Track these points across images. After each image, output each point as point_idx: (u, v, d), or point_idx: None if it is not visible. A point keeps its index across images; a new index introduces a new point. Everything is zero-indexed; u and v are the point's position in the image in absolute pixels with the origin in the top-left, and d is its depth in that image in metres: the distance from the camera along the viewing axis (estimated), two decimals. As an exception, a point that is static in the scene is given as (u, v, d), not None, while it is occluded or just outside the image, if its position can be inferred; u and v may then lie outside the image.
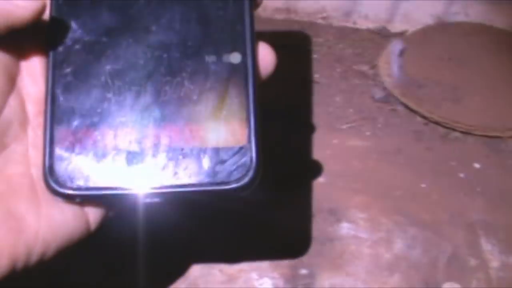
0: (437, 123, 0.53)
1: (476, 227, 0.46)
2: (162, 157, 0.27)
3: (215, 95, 0.28)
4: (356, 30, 0.64)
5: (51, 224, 0.27)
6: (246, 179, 0.27)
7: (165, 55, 0.28)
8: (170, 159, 0.27)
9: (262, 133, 0.27)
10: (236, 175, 0.27)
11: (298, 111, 0.53)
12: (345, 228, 0.45)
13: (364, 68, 0.58)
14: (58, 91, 0.28)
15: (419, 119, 0.54)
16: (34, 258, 0.26)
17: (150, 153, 0.27)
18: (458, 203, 0.48)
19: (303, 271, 0.43)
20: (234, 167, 0.27)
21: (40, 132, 0.28)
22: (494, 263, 0.44)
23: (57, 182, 0.27)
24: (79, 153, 0.27)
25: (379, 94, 0.55)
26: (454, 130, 0.53)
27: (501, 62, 0.58)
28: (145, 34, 0.29)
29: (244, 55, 0.28)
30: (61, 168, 0.27)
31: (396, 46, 0.58)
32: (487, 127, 0.53)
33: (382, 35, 0.63)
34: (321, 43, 0.61)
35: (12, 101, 0.27)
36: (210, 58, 0.28)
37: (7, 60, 0.27)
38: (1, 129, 0.27)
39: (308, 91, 0.56)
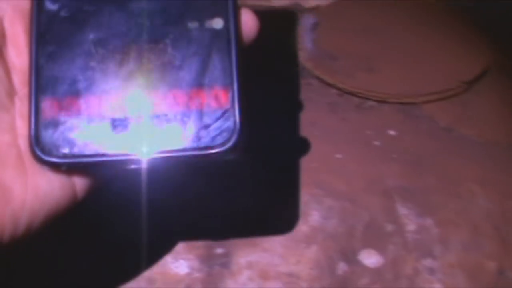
0: (351, 93, 0.53)
1: (392, 193, 0.46)
2: (146, 123, 0.27)
3: (198, 60, 0.28)
4: (271, 8, 0.63)
5: (37, 194, 0.27)
6: (230, 143, 0.27)
7: (147, 22, 0.29)
8: (154, 125, 0.27)
9: (246, 98, 0.28)
10: (220, 139, 0.27)
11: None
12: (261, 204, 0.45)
13: (277, 44, 0.58)
14: (42, 60, 0.28)
15: (333, 91, 0.54)
16: (21, 228, 0.27)
17: (135, 120, 0.27)
18: (374, 171, 0.48)
19: (219, 250, 0.42)
20: (218, 131, 0.27)
21: (26, 102, 0.28)
22: (411, 227, 0.44)
23: (42, 150, 0.27)
24: (64, 121, 0.27)
25: (292, 68, 0.55)
26: (368, 99, 0.53)
27: (414, 30, 0.59)
28: (128, 1, 0.29)
29: (226, 20, 0.29)
30: (46, 136, 0.27)
31: (308, 20, 0.58)
32: (401, 94, 0.53)
33: (296, 11, 0.62)
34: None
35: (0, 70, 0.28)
36: (192, 24, 0.29)
37: None
38: None
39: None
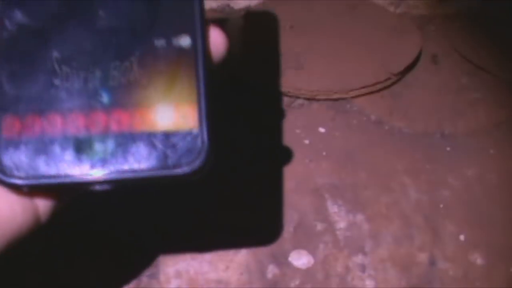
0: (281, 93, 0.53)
1: (322, 191, 0.46)
2: (111, 143, 0.26)
3: (165, 78, 0.27)
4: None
5: None
6: (197, 163, 0.26)
7: (113, 39, 0.28)
8: (119, 144, 0.26)
9: (215, 117, 0.27)
10: (187, 159, 0.26)
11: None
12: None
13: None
14: (3, 78, 0.27)
15: (263, 91, 0.53)
16: None
17: (99, 139, 0.26)
18: (304, 170, 0.47)
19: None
20: (185, 151, 0.26)
21: None
22: (341, 224, 0.44)
23: (3, 171, 0.26)
24: (26, 141, 0.26)
25: (220, 71, 0.54)
26: (298, 97, 0.52)
27: (342, 25, 0.59)
28: (92, 18, 0.28)
29: (194, 38, 0.28)
30: (7, 156, 0.26)
31: (235, 22, 0.57)
32: (330, 90, 0.53)
33: (225, 13, 0.61)
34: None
35: None
36: (159, 42, 0.28)
37: None
38: None
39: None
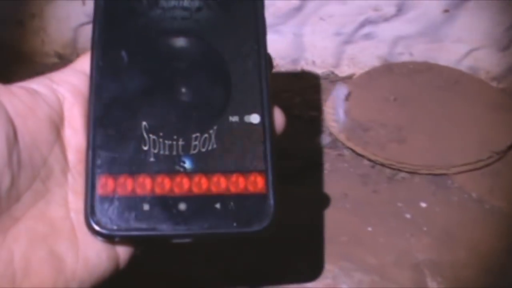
0: (383, 165, 0.54)
1: (422, 267, 0.47)
2: (192, 202, 0.30)
3: (238, 149, 0.32)
4: (304, 77, 0.65)
5: (87, 265, 0.29)
6: (265, 223, 0.30)
7: (194, 114, 0.32)
8: (199, 204, 0.30)
9: (279, 183, 0.31)
10: (257, 219, 0.30)
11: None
12: (290, 276, 0.46)
13: (312, 114, 0.60)
14: (99, 141, 0.31)
15: (365, 162, 0.55)
16: None
17: (182, 199, 0.30)
18: (404, 244, 0.48)
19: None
20: (255, 212, 0.30)
21: (79, 179, 0.31)
22: (441, 302, 0.44)
23: (97, 223, 0.29)
24: (118, 198, 0.30)
25: (325, 139, 0.57)
26: (400, 170, 0.54)
27: (444, 99, 0.60)
28: (176, 94, 0.33)
29: (262, 116, 0.32)
30: (101, 210, 0.30)
31: (340, 90, 0.59)
32: (433, 165, 0.54)
33: (330, 80, 0.64)
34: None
35: (56, 150, 0.31)
36: (233, 118, 0.32)
37: (54, 114, 0.31)
38: (45, 174, 0.30)
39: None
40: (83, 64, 0.33)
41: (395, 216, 0.50)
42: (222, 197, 0.31)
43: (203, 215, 0.30)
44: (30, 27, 0.67)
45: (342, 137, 0.56)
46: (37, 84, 0.31)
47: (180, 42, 0.34)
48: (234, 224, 0.30)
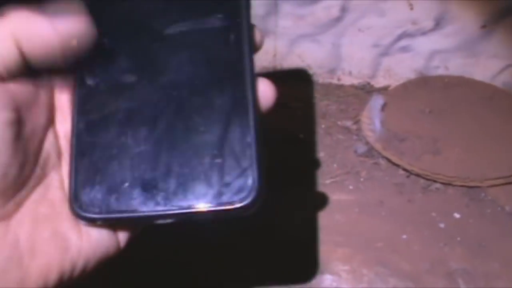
0: (418, 175, 0.55)
1: (455, 276, 0.48)
2: (173, 183, 0.30)
3: (220, 127, 0.31)
4: (341, 86, 0.66)
5: (90, 242, 0.30)
6: (248, 200, 0.29)
7: (175, 94, 0.32)
8: (180, 184, 0.30)
9: (264, 158, 0.30)
10: (239, 196, 0.29)
11: (283, 168, 0.55)
12: (328, 280, 0.47)
13: (348, 123, 0.61)
14: (82, 128, 0.31)
15: (401, 171, 0.56)
16: (77, 272, 0.30)
17: (162, 180, 0.30)
18: (438, 252, 0.49)
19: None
20: (238, 189, 0.30)
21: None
22: (474, 311, 0.45)
23: (81, 207, 0.30)
24: (100, 182, 0.30)
25: (362, 148, 0.58)
26: (435, 181, 0.55)
27: (479, 113, 0.61)
28: (158, 76, 0.33)
29: (245, 91, 0.32)
30: (84, 195, 0.30)
31: (377, 101, 0.60)
32: (467, 177, 0.55)
33: (366, 91, 0.65)
34: (306, 100, 0.64)
35: (51, 135, 0.32)
36: (215, 95, 0.32)
37: (49, 99, 0.32)
38: (43, 159, 0.31)
39: (294, 147, 0.58)
40: None
41: (429, 225, 0.51)
42: (204, 175, 0.30)
43: (185, 195, 0.30)
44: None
45: (378, 146, 0.57)
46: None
47: (160, 24, 0.34)
48: (217, 202, 0.30)
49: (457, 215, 0.52)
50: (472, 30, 0.61)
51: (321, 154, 0.57)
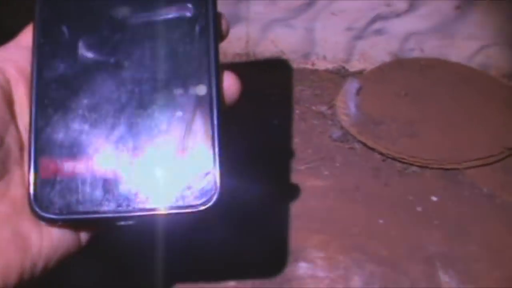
0: (394, 159, 0.54)
1: (434, 260, 0.47)
2: (134, 184, 0.29)
3: (182, 125, 0.30)
4: (315, 71, 0.65)
5: (52, 241, 0.29)
6: (211, 203, 0.29)
7: (136, 89, 0.31)
8: (142, 185, 0.29)
9: (226, 159, 0.30)
10: (202, 198, 0.29)
11: (256, 154, 0.54)
12: (303, 267, 0.46)
13: (323, 108, 0.60)
14: (40, 123, 0.30)
15: (377, 156, 0.55)
16: (38, 271, 0.29)
17: (124, 180, 0.29)
18: (416, 237, 0.48)
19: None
20: (200, 191, 0.29)
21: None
22: (452, 295, 0.44)
23: (40, 207, 0.29)
24: (60, 181, 0.29)
25: (337, 133, 0.57)
26: (411, 164, 0.54)
27: (455, 95, 0.60)
28: (118, 70, 0.31)
29: (209, 87, 0.31)
30: (43, 194, 0.29)
31: (352, 85, 0.59)
32: (444, 160, 0.54)
33: (341, 75, 0.64)
34: (280, 86, 0.62)
35: (12, 129, 0.30)
36: (178, 91, 0.31)
37: (6, 93, 0.30)
38: (4, 154, 0.29)
39: (268, 134, 0.57)
40: (26, 39, 0.32)
41: (406, 209, 0.50)
42: (166, 177, 0.30)
43: (146, 197, 0.29)
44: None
45: (353, 130, 0.56)
46: None
47: (121, 13, 0.32)
48: (179, 204, 0.29)
49: (434, 198, 0.51)
50: (446, 11, 0.61)
51: (295, 140, 0.56)
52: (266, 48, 0.65)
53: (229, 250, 0.47)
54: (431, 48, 0.64)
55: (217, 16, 0.33)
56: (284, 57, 0.65)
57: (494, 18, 0.62)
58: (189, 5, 0.33)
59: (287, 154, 0.55)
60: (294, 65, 0.65)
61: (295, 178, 0.53)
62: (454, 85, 0.61)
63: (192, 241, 0.47)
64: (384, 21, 0.62)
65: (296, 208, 0.50)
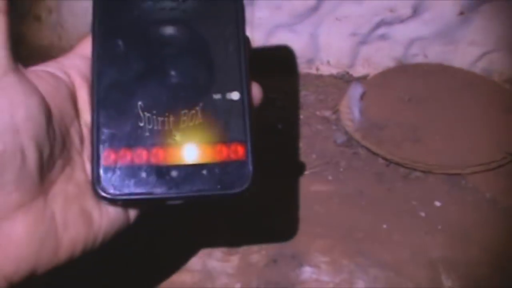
0: (398, 164, 0.55)
1: (437, 264, 0.47)
2: (183, 170, 0.35)
3: (221, 123, 0.36)
4: (320, 76, 0.65)
5: (109, 219, 0.35)
6: (245, 185, 0.35)
7: (182, 93, 0.36)
8: (189, 171, 0.35)
9: (257, 151, 0.35)
10: (238, 182, 0.35)
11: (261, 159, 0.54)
12: (307, 272, 0.47)
13: (327, 113, 0.60)
14: (102, 120, 0.35)
15: (380, 161, 0.56)
16: (97, 244, 0.34)
17: (174, 167, 0.35)
18: (419, 241, 0.49)
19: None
20: (237, 176, 0.35)
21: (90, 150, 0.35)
22: (455, 300, 0.45)
23: (103, 189, 0.34)
24: (120, 167, 0.35)
25: (341, 138, 0.57)
26: (415, 170, 0.55)
27: (459, 100, 0.60)
28: (167, 76, 0.37)
29: (241, 93, 0.37)
30: (105, 178, 0.34)
31: (356, 90, 0.60)
32: (447, 165, 0.54)
33: (345, 80, 0.65)
34: (285, 90, 0.63)
35: (75, 123, 0.36)
36: (216, 96, 0.36)
37: (71, 93, 0.36)
38: (69, 144, 0.35)
39: (273, 138, 0.57)
40: (85, 49, 0.37)
41: (409, 214, 0.51)
42: (208, 165, 0.35)
43: (192, 180, 0.35)
44: (47, 22, 0.67)
45: (357, 135, 0.56)
46: (52, 68, 0.35)
47: (169, 30, 0.38)
48: (219, 187, 0.35)
49: (437, 203, 0.52)
50: (450, 17, 0.61)
51: (300, 145, 0.56)
52: (271, 53, 0.65)
53: (234, 253, 0.47)
54: (435, 53, 0.64)
55: (247, 38, 0.39)
56: (289, 62, 0.65)
57: (497, 24, 0.62)
58: (225, 25, 0.39)
59: (291, 158, 0.55)
60: (299, 70, 0.66)
61: (299, 182, 0.53)
62: (457, 91, 0.61)
63: (197, 243, 0.47)
64: (388, 27, 0.62)
65: (301, 212, 0.50)
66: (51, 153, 0.33)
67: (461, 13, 0.60)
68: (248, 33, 0.55)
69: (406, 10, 0.61)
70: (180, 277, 0.46)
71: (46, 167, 0.33)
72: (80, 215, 0.34)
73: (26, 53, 0.66)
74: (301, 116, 0.60)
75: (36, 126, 0.32)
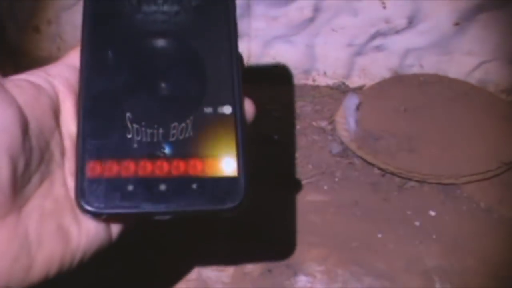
0: (393, 174, 0.55)
1: (431, 274, 0.47)
2: (171, 184, 0.33)
3: (212, 137, 0.35)
4: (316, 87, 0.66)
5: (88, 236, 0.33)
6: (237, 201, 0.33)
7: (173, 106, 0.35)
8: (177, 185, 0.33)
9: (250, 166, 0.34)
10: (229, 198, 0.33)
11: (257, 169, 0.54)
12: (302, 281, 0.47)
13: (323, 124, 0.61)
14: (88, 131, 0.34)
15: (376, 171, 0.56)
16: (75, 263, 0.33)
17: (162, 181, 0.33)
18: (414, 251, 0.49)
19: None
20: (229, 192, 0.33)
21: (74, 163, 0.34)
22: (449, 309, 0.45)
23: (87, 202, 0.32)
24: (105, 180, 0.33)
25: (336, 148, 0.57)
26: (410, 179, 0.55)
27: (454, 111, 0.61)
28: (157, 88, 0.36)
29: (234, 107, 0.36)
30: (89, 190, 0.33)
31: (351, 100, 0.60)
32: (442, 175, 0.54)
33: (341, 91, 0.65)
34: (281, 101, 0.63)
35: (56, 136, 0.34)
36: (208, 109, 0.35)
37: (53, 104, 0.34)
38: (48, 157, 0.33)
39: (269, 149, 0.57)
40: (73, 58, 0.36)
41: (404, 224, 0.51)
42: (198, 179, 0.34)
43: (181, 195, 0.33)
44: (46, 33, 0.68)
45: (353, 146, 0.57)
46: (35, 77, 0.34)
47: (160, 42, 0.37)
48: (209, 203, 0.33)
49: (432, 213, 0.52)
50: (445, 28, 0.61)
51: (296, 155, 0.57)
52: (267, 64, 0.65)
53: (229, 262, 0.48)
54: (430, 64, 0.65)
55: (240, 56, 0.38)
56: (285, 73, 0.66)
57: (492, 34, 0.62)
58: (218, 39, 0.38)
59: (287, 168, 0.56)
60: (295, 81, 0.66)
61: (295, 192, 0.53)
62: (453, 101, 0.61)
63: (192, 252, 0.48)
64: (384, 38, 0.63)
65: (295, 222, 0.51)
66: (27, 166, 0.31)
67: (457, 24, 0.61)
68: (245, 44, 0.56)
69: (401, 21, 0.61)
70: (176, 286, 0.46)
71: (21, 181, 0.31)
72: (56, 232, 0.32)
73: (25, 64, 0.66)
74: (297, 127, 0.60)
75: (10, 138, 0.30)
